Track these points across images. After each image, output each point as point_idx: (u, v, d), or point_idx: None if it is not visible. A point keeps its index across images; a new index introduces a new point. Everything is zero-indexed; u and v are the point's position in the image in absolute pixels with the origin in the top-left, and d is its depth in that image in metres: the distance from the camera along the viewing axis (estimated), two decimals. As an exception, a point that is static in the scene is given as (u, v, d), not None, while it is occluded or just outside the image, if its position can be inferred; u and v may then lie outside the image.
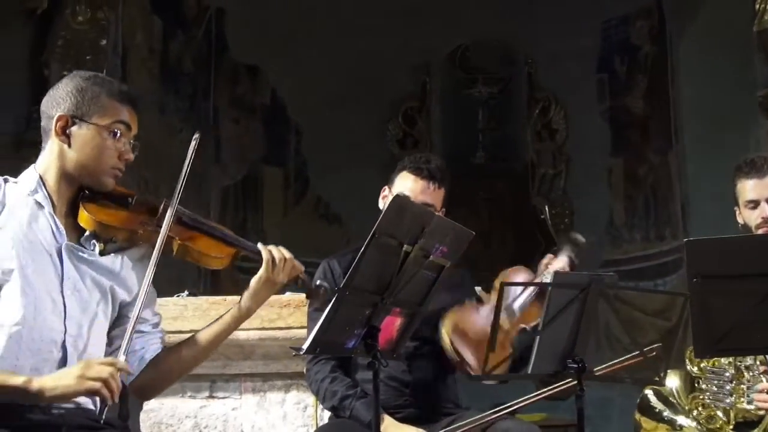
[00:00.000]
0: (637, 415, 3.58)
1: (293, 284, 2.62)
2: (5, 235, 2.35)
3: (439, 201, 3.35)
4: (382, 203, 3.40)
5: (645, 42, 9.83)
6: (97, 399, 2.31)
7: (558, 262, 3.28)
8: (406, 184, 3.33)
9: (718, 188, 4.37)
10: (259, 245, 2.57)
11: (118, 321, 2.57)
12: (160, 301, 3.38)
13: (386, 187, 3.42)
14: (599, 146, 10.10)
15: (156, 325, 2.65)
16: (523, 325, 3.19)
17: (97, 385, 2.21)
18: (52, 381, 2.24)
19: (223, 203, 9.65)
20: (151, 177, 8.15)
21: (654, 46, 9.73)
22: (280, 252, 2.56)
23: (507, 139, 10.75)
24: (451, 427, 3.09)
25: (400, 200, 2.56)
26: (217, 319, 2.63)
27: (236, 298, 3.71)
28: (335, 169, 9.94)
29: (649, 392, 3.55)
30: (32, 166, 2.50)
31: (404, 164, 3.39)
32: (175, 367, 2.63)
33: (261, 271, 2.54)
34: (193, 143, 2.56)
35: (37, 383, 2.23)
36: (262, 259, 2.54)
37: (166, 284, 2.79)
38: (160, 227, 2.45)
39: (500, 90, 10.78)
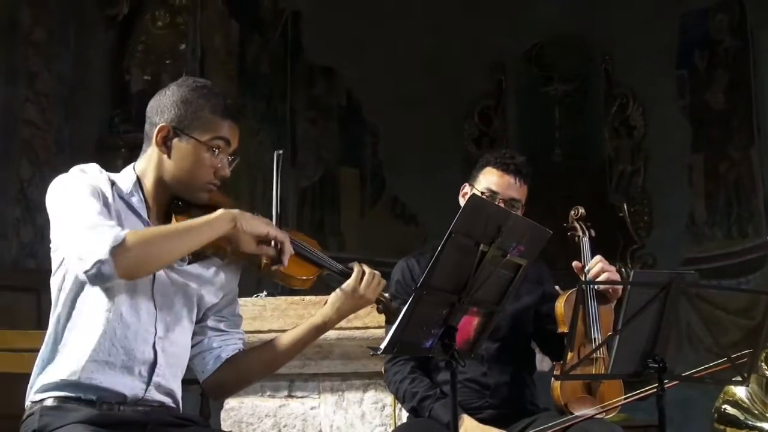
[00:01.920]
0: (721, 426, 3.52)
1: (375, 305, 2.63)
2: None
3: (524, 197, 3.33)
4: (462, 200, 3.38)
5: (725, 36, 9.66)
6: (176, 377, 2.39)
7: None
8: (491, 179, 3.30)
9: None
10: (354, 263, 2.60)
11: (200, 321, 2.61)
12: (240, 301, 3.43)
13: (466, 184, 3.39)
14: (679, 143, 9.94)
15: (236, 325, 2.67)
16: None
17: (280, 236, 2.41)
18: (249, 215, 2.41)
19: (301, 204, 9.73)
20: (229, 177, 8.25)
21: (735, 40, 9.55)
22: (369, 269, 2.59)
23: (584, 137, 10.66)
24: (533, 429, 3.07)
25: (476, 199, 2.55)
26: (297, 327, 2.65)
27: (314, 298, 3.78)
28: (411, 169, 9.95)
29: (724, 405, 3.49)
30: (132, 165, 2.53)
31: (488, 160, 3.35)
32: (251, 370, 2.65)
33: (350, 281, 2.56)
34: (276, 158, 2.57)
35: (236, 210, 2.39)
36: (346, 278, 2.56)
37: (245, 285, 2.82)
38: None
39: (576, 87, 10.69)
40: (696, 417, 7.04)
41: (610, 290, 3.14)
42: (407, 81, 10.00)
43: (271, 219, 2.53)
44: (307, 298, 3.79)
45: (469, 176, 3.40)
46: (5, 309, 6.01)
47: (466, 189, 3.38)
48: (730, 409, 3.49)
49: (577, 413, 3.06)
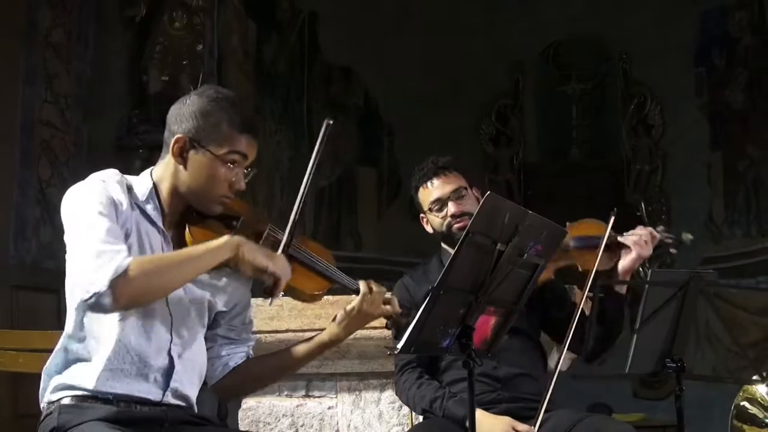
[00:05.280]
0: (738, 423, 3.50)
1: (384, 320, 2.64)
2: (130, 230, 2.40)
3: (462, 180, 3.38)
4: (429, 228, 3.46)
5: (745, 33, 9.61)
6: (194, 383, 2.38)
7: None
8: (427, 195, 3.38)
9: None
10: (360, 282, 2.59)
11: (211, 327, 2.63)
12: (258, 301, 3.44)
13: (422, 215, 3.45)
14: (697, 141, 9.90)
15: (246, 332, 2.70)
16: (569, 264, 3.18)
17: (279, 273, 2.38)
18: (251, 244, 2.38)
19: (318, 204, 9.74)
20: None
21: (754, 38, 9.50)
22: (377, 286, 2.60)
23: (602, 136, 10.62)
24: (549, 425, 3.06)
25: (493, 199, 2.55)
26: (305, 341, 2.67)
27: (331, 298, 3.77)
28: (428, 169, 9.94)
29: (743, 402, 3.47)
30: (149, 170, 2.53)
31: (414, 187, 3.45)
32: (257, 379, 2.70)
33: (356, 302, 2.57)
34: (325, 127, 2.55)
35: (238, 239, 2.37)
36: (355, 293, 2.57)
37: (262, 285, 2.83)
38: None
39: (594, 86, 10.66)
40: (715, 416, 7.02)
41: None
42: (424, 81, 10.00)
43: (287, 238, 2.51)
44: (325, 297, 3.79)
45: (415, 211, 3.48)
46: (26, 309, 6.05)
47: (426, 218, 3.43)
48: (749, 407, 3.47)
49: None
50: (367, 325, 3.79)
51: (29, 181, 6.46)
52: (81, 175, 2.48)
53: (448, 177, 3.37)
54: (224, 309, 2.61)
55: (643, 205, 10.15)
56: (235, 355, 2.65)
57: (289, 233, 2.49)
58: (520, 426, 3.00)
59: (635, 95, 10.37)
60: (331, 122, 2.53)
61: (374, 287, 2.59)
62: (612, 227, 3.18)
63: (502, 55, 10.29)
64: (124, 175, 2.49)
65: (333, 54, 9.93)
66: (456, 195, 3.32)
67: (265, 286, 2.41)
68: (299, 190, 2.55)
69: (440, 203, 3.34)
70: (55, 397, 2.38)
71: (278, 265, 2.39)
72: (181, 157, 2.45)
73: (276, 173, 8.84)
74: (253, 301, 2.97)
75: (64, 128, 6.89)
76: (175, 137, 2.45)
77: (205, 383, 2.66)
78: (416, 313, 2.49)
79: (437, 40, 9.96)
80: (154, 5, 7.51)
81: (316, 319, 3.78)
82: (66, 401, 2.36)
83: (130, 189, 2.45)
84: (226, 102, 2.48)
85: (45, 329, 3.32)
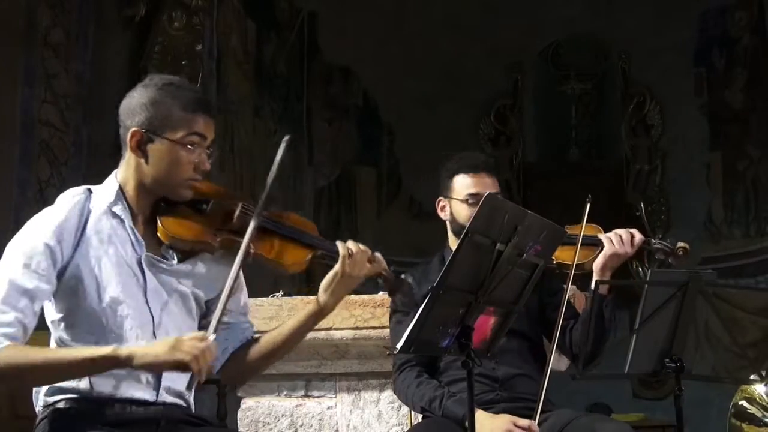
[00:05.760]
0: (737, 422, 3.50)
1: (374, 281, 2.60)
2: (91, 252, 2.38)
3: (498, 190, 3.36)
4: (443, 214, 3.42)
5: (744, 33, 9.61)
6: (187, 377, 2.34)
7: None
8: (467, 184, 3.33)
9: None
10: (337, 242, 2.53)
11: (205, 315, 2.60)
12: (256, 301, 3.43)
13: (440, 198, 3.41)
14: (696, 141, 9.90)
15: (243, 314, 2.66)
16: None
17: (188, 358, 2.20)
18: (143, 349, 2.24)
19: (317, 204, 9.75)
20: (246, 178, 8.29)
21: (754, 38, 9.50)
22: (357, 246, 2.53)
23: (601, 136, 10.63)
24: (547, 425, 3.07)
25: (492, 199, 2.55)
26: (295, 316, 2.62)
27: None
28: (428, 169, 9.91)
29: (741, 401, 3.47)
30: (114, 173, 2.51)
31: (455, 168, 3.38)
32: (256, 360, 2.62)
33: (337, 266, 2.51)
34: (282, 146, 2.54)
35: (126, 350, 2.23)
36: (338, 255, 2.51)
37: (261, 285, 2.82)
38: (236, 232, 2.46)
39: (593, 86, 10.67)
40: (714, 416, 7.02)
41: None
42: (424, 80, 10.00)
43: (260, 208, 2.49)
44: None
45: (439, 189, 3.41)
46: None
47: (443, 202, 3.40)
48: (748, 406, 3.48)
49: None
50: (367, 326, 3.81)
51: (28, 181, 6.46)
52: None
53: (493, 179, 3.36)
54: (212, 295, 2.56)
55: (642, 205, 10.15)
56: (235, 340, 2.62)
57: (261, 207, 2.47)
58: (521, 421, 3.00)
59: (634, 95, 10.38)
60: (289, 137, 2.54)
61: (354, 247, 2.51)
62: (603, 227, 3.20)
63: (501, 55, 10.30)
64: (91, 186, 2.48)
65: (332, 54, 9.93)
66: None
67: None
68: (272, 167, 2.53)
69: (479, 199, 3.29)
70: (50, 400, 2.37)
71: (185, 349, 2.22)
72: (140, 150, 2.44)
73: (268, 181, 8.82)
74: (252, 300, 2.96)
75: (64, 128, 6.89)
76: (131, 132, 2.44)
77: (210, 381, 2.64)
78: (416, 313, 2.49)
79: (437, 40, 9.96)
80: (154, 5, 7.52)
81: (315, 319, 3.78)
82: (61, 405, 2.35)
83: (91, 198, 2.44)
84: (172, 87, 2.47)
85: (44, 330, 3.31)
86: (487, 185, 3.31)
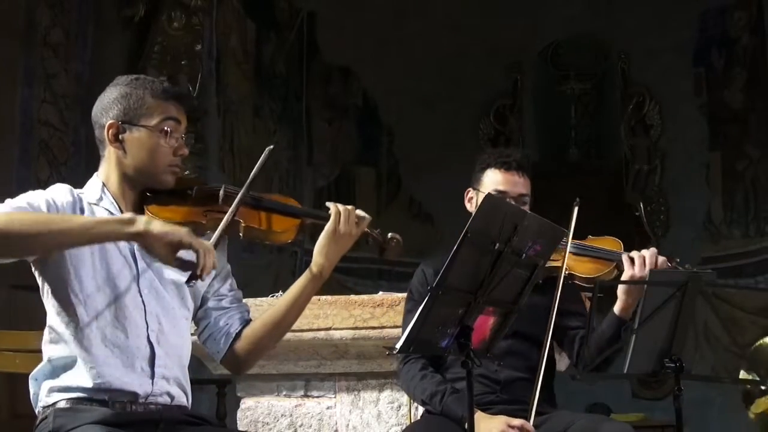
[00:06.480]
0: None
1: (364, 243, 2.65)
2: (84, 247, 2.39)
3: (530, 190, 3.35)
4: (469, 206, 3.40)
5: (743, 34, 9.62)
6: (182, 362, 2.37)
7: None
8: (496, 180, 3.31)
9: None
10: (328, 203, 2.60)
11: (202, 304, 2.63)
12: (256, 301, 3.44)
13: (470, 189, 3.41)
14: (696, 141, 9.91)
15: (237, 300, 2.68)
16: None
17: (199, 247, 2.23)
18: (153, 221, 2.27)
19: (317, 204, 9.75)
20: (246, 178, 8.28)
21: (753, 38, 9.50)
22: (344, 206, 2.59)
23: (600, 136, 10.64)
24: (547, 425, 3.07)
25: (492, 199, 2.55)
26: (294, 284, 2.65)
27: (330, 298, 3.79)
28: (427, 169, 9.95)
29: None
30: (96, 174, 2.56)
31: (488, 162, 3.37)
32: (263, 337, 2.64)
33: (329, 225, 2.56)
34: (264, 154, 2.58)
35: (145, 217, 2.28)
36: (329, 217, 2.56)
37: (261, 285, 2.83)
38: (223, 212, 2.49)
39: (593, 86, 10.68)
40: (713, 416, 7.02)
41: None
42: (423, 81, 10.00)
43: (246, 187, 2.54)
44: (323, 297, 3.80)
45: (470, 180, 3.40)
46: (24, 310, 6.04)
47: (471, 194, 3.39)
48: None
49: None
50: (366, 326, 3.81)
51: (28, 181, 6.45)
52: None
53: (524, 178, 3.34)
54: (205, 285, 2.60)
55: (641, 205, 10.16)
56: (234, 322, 2.64)
57: (247, 187, 2.51)
58: (514, 421, 3.00)
59: (634, 95, 10.38)
60: (272, 147, 2.58)
61: (342, 206, 2.59)
62: (623, 247, 3.17)
63: (501, 55, 10.30)
64: (75, 189, 2.51)
65: (332, 54, 9.93)
66: (521, 201, 3.28)
67: (187, 268, 2.29)
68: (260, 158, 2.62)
69: (506, 196, 3.28)
70: (50, 400, 2.38)
71: (194, 236, 2.27)
72: (118, 142, 2.50)
73: (275, 173, 8.84)
74: (252, 300, 2.97)
75: (63, 128, 6.89)
76: (107, 125, 2.49)
77: (210, 381, 2.65)
78: (416, 313, 2.49)
79: (436, 41, 9.96)
80: (153, 5, 7.52)
81: (314, 319, 3.79)
82: (61, 405, 2.36)
83: (81, 199, 2.48)
84: (141, 80, 2.55)
85: (43, 330, 3.31)
86: (517, 184, 3.30)
